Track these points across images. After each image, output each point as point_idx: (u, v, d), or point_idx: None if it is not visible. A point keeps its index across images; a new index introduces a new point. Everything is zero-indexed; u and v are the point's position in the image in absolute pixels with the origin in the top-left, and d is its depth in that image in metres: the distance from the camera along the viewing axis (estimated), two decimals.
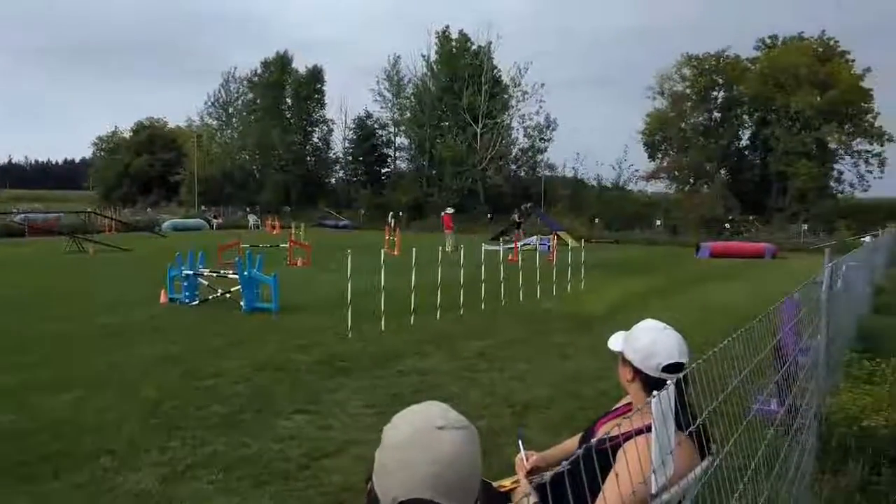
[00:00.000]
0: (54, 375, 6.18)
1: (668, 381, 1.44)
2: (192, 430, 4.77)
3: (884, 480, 3.05)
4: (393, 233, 22.30)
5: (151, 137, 57.86)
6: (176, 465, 4.12)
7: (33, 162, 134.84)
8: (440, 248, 10.08)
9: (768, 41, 40.90)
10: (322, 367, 6.67)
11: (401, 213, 39.69)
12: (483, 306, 10.37)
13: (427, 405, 1.19)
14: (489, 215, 41.00)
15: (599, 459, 1.69)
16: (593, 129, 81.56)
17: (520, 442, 2.36)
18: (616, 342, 2.10)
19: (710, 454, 1.96)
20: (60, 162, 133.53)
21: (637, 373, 1.98)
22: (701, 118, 41.29)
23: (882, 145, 37.62)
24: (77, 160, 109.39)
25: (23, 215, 32.73)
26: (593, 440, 1.45)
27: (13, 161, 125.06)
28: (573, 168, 46.11)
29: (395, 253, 18.15)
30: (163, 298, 10.69)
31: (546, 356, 7.45)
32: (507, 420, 5.11)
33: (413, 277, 9.22)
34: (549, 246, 20.59)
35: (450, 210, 25.21)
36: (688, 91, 41.04)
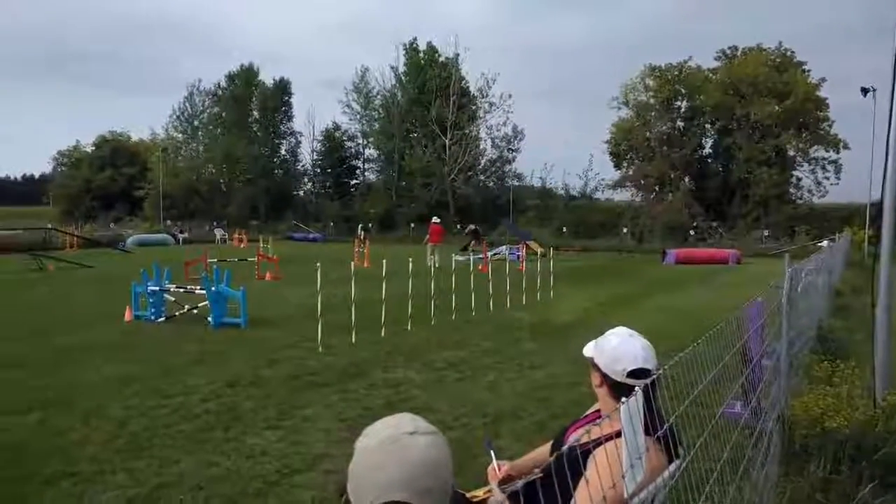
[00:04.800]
0: (14, 397, 5.99)
1: (636, 387, 1.47)
2: (160, 449, 4.68)
3: (843, 479, 3.14)
4: (362, 245, 22.20)
5: (114, 151, 56.74)
6: (143, 487, 4.02)
7: None
8: (409, 260, 10.06)
9: (728, 52, 41.97)
10: (292, 382, 6.60)
11: (370, 225, 39.58)
12: (454, 317, 10.39)
13: (398, 415, 1.23)
14: (458, 226, 41.11)
15: (572, 466, 1.71)
16: (560, 139, 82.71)
17: (491, 452, 2.38)
18: (588, 349, 2.14)
19: (678, 457, 1.99)
20: (18, 178, 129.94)
21: (604, 378, 2.01)
22: (665, 127, 42.06)
23: (837, 152, 38.82)
24: (36, 176, 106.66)
25: None
26: (564, 447, 1.46)
27: None
28: (541, 178, 46.61)
29: (365, 265, 18.10)
30: (128, 316, 10.46)
31: (516, 365, 7.48)
32: (479, 430, 5.11)
33: (384, 289, 9.19)
34: (518, 255, 20.75)
35: (437, 219, 23.50)
36: (651, 101, 41.83)
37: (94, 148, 58.23)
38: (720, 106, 39.07)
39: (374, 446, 1.14)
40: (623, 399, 1.39)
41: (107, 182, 54.90)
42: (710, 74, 41.40)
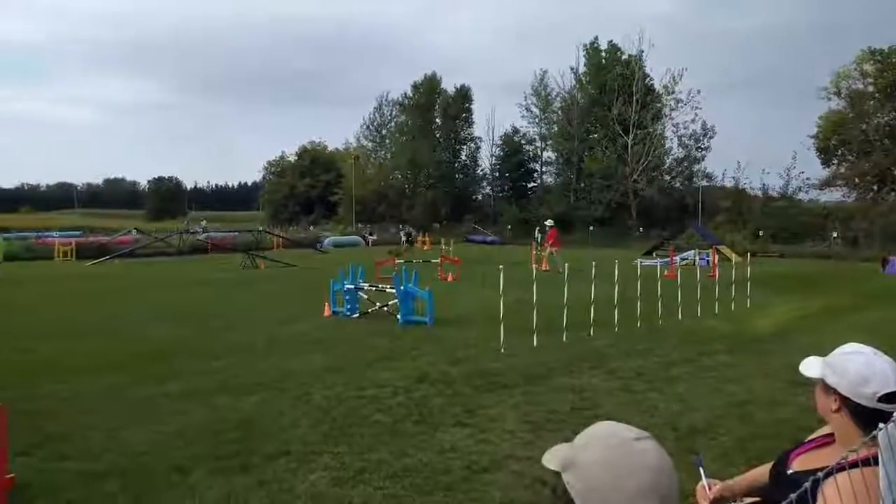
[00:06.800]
0: (239, 380, 6.81)
1: (895, 413, 1.28)
2: (359, 437, 5.03)
3: None
4: (540, 248, 22.13)
5: (313, 160, 62.36)
6: (346, 470, 4.35)
7: (213, 186, 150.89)
8: (593, 264, 9.83)
9: None
10: (477, 381, 6.74)
11: (547, 228, 39.37)
12: (639, 324, 9.97)
13: (603, 424, 1.20)
14: (640, 229, 39.46)
15: (802, 496, 1.54)
16: (757, 135, 75.81)
17: (701, 469, 2.22)
18: (813, 368, 1.90)
19: None
20: (235, 186, 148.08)
21: (845, 402, 1.78)
22: (887, 118, 36.90)
23: None
24: (249, 183, 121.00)
25: (205, 234, 36.78)
26: (820, 473, 1.31)
27: (197, 186, 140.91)
28: (734, 177, 43.08)
29: (543, 268, 18.02)
30: (326, 311, 11.40)
31: (710, 377, 6.98)
32: (672, 444, 4.84)
33: (565, 292, 9.07)
34: (708, 261, 19.46)
35: (551, 223, 22.64)
36: (870, 89, 36.89)
37: (296, 157, 64.48)
38: None
39: (607, 456, 1.10)
40: (881, 425, 1.22)
41: (307, 188, 60.53)
42: None
